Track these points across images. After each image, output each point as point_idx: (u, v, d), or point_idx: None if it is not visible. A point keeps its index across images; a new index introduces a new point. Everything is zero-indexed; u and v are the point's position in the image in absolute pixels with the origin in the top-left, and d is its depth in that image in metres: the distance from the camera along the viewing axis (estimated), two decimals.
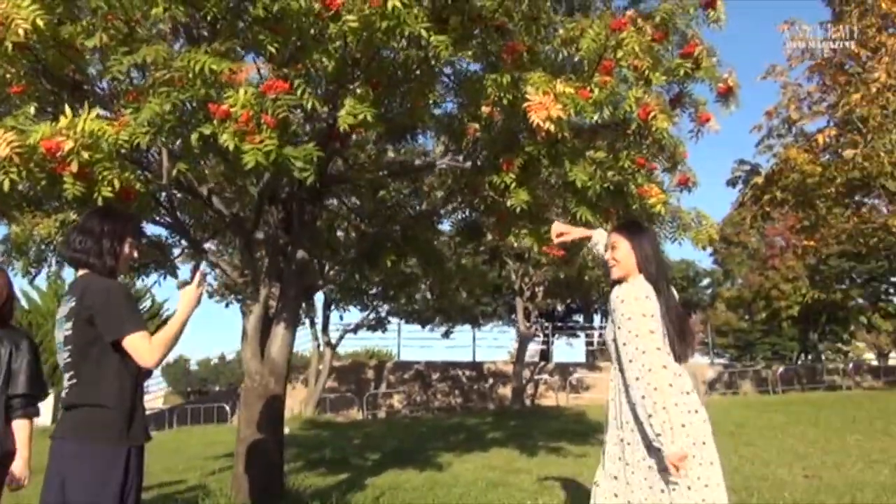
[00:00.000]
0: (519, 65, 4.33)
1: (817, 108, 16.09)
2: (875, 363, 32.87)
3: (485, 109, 4.71)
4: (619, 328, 2.78)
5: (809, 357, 33.27)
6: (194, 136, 3.72)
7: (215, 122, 3.65)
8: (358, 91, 4.19)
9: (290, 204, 5.90)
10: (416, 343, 47.96)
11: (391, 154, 7.39)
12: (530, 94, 4.10)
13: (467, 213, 6.48)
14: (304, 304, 19.19)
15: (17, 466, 3.10)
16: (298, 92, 3.66)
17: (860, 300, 30.99)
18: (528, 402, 21.68)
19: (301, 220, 5.79)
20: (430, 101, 4.85)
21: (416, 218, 6.41)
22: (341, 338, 20.80)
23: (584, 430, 12.31)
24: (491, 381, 23.80)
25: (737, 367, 26.38)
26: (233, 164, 4.37)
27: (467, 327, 25.03)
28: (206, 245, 6.37)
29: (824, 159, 15.51)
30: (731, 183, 17.82)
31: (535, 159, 4.77)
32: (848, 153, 13.47)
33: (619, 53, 4.64)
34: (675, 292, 3.00)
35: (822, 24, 17.09)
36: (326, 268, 6.31)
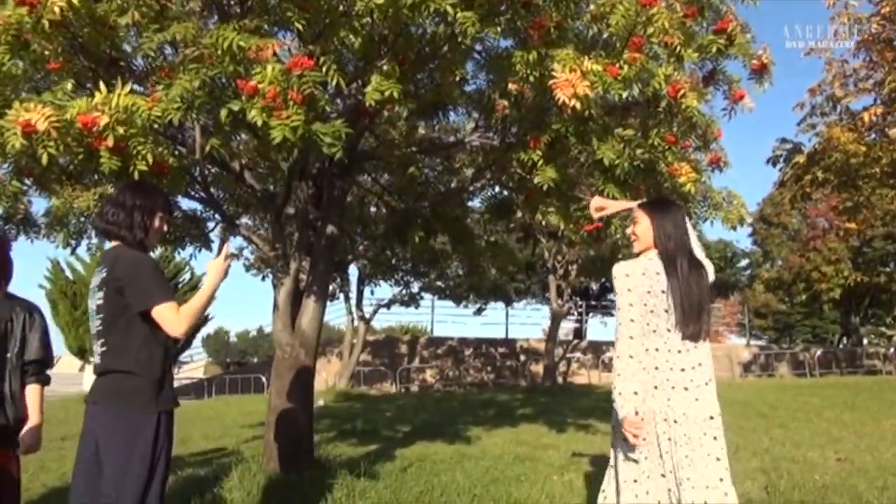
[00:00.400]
0: (547, 41, 4.30)
1: (863, 86, 15.57)
2: None
3: (512, 87, 4.70)
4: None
5: (850, 341, 32.63)
6: (223, 112, 3.80)
7: (244, 98, 3.72)
8: (384, 68, 4.21)
9: (320, 180, 5.98)
10: (449, 319, 48.18)
11: (422, 131, 7.42)
12: (557, 72, 4.08)
13: (497, 190, 6.49)
14: (336, 278, 19.57)
15: (30, 432, 3.12)
16: (324, 69, 3.70)
17: None
18: (560, 379, 21.72)
19: (331, 195, 5.87)
20: (458, 78, 4.83)
21: (446, 194, 6.44)
22: (375, 312, 21.06)
23: (612, 408, 12.26)
24: (523, 358, 23.88)
25: (774, 349, 25.99)
26: (262, 140, 4.44)
27: (500, 305, 25.09)
28: (241, 220, 6.48)
29: (870, 139, 15.04)
30: (772, 161, 17.39)
31: (563, 137, 4.76)
32: (894, 132, 13.03)
33: (650, 30, 4.58)
34: (709, 269, 3.03)
35: None
36: (357, 243, 6.38)
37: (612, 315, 30.44)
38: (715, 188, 5.52)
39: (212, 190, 5.71)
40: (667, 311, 2.84)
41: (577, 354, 23.75)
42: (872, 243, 27.97)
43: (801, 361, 22.59)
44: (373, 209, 7.78)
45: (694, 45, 5.11)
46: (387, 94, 4.14)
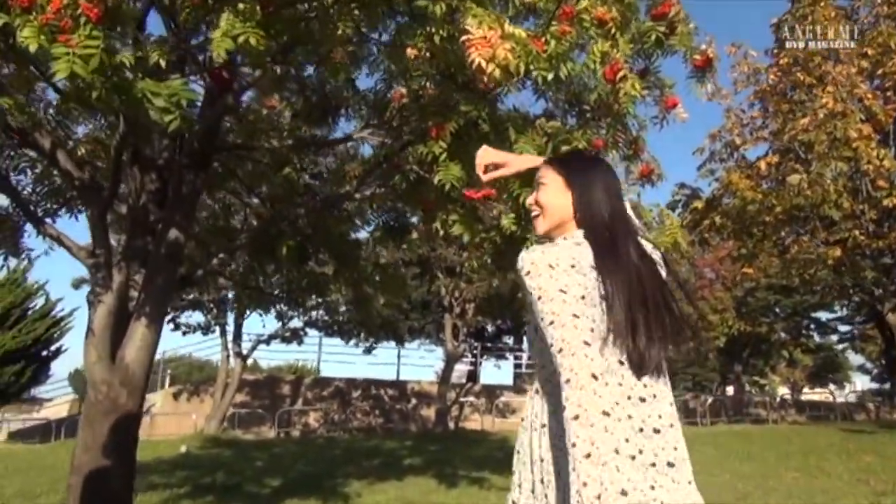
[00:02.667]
0: None
1: (760, 134, 15.82)
2: (788, 397, 33.27)
3: (410, 52, 3.68)
4: (532, 313, 1.68)
5: (731, 389, 33.45)
6: None
7: (13, 13, 2.50)
8: (240, 6, 3.08)
9: (166, 172, 4.72)
10: (337, 358, 46.39)
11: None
12: (471, 27, 3.09)
13: (388, 201, 5.42)
14: (212, 309, 17.81)
15: None
16: None
17: (783, 334, 31.39)
18: (452, 424, 20.65)
19: (178, 191, 4.61)
20: (341, 33, 3.75)
21: (326, 201, 5.30)
22: (253, 348, 19.32)
23: (509, 459, 11.28)
24: (414, 401, 22.65)
25: None
26: (66, 96, 3.19)
27: (392, 344, 23.83)
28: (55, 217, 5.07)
29: (765, 187, 15.20)
30: (671, 207, 17.35)
31: (473, 123, 3.76)
32: (793, 178, 13.07)
33: (583, 3, 3.72)
34: (655, 255, 1.84)
35: (768, 51, 16.95)
36: (213, 256, 5.11)
37: (505, 358, 29.82)
38: (644, 206, 4.67)
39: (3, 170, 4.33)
40: (611, 332, 1.64)
41: (471, 398, 22.75)
42: (755, 293, 28.84)
43: (692, 409, 22.57)
44: (239, 221, 6.52)
45: (628, 33, 4.31)
46: (241, 39, 3.02)
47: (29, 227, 4.81)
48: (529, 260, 1.65)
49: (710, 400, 23.14)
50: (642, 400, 1.65)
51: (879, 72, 14.02)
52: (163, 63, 3.33)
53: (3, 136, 4.32)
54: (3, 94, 3.42)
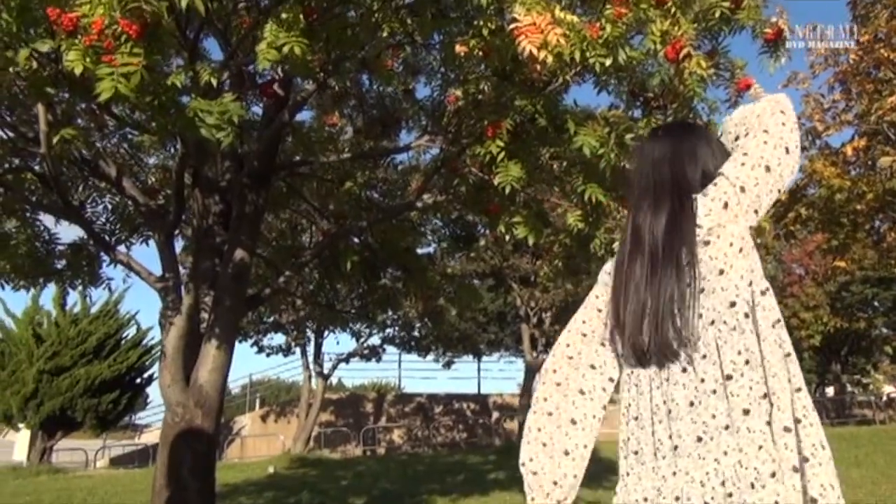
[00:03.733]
0: None
1: (844, 118, 14.93)
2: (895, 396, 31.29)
3: (459, 49, 3.56)
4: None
5: (830, 389, 31.73)
6: (23, 54, 2.58)
7: (59, 37, 2.52)
8: (283, 15, 3.04)
9: (229, 194, 4.75)
10: (419, 374, 46.61)
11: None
12: (519, 15, 2.95)
13: (451, 209, 5.31)
14: (293, 331, 18.13)
15: None
16: None
17: (884, 329, 29.62)
18: None
19: (241, 212, 4.63)
20: (387, 36, 3.67)
21: (388, 211, 5.23)
22: (334, 367, 19.53)
23: (597, 471, 10.93)
24: (497, 414, 22.40)
25: None
26: (121, 121, 3.22)
27: (470, 358, 23.67)
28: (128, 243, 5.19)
29: (853, 174, 14.33)
30: None
31: (530, 119, 3.61)
32: (885, 160, 12.27)
33: None
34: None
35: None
36: (280, 275, 5.12)
37: None
38: None
39: (71, 199, 4.44)
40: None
41: None
42: (850, 288, 27.33)
43: None
44: (308, 238, 6.55)
45: (691, 12, 4.08)
46: (285, 49, 2.97)
47: (106, 256, 4.93)
48: None
49: None
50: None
51: None
52: (214, 82, 3.33)
53: (74, 167, 4.44)
54: (68, 124, 3.49)
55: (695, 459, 1.33)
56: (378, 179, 6.13)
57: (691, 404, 1.36)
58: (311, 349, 18.88)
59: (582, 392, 1.54)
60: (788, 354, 1.39)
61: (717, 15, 3.97)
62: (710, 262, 1.41)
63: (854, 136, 14.97)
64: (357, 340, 17.62)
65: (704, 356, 1.38)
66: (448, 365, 22.65)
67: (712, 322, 1.39)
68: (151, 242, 5.03)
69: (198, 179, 4.48)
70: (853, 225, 14.95)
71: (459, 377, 33.17)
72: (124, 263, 4.57)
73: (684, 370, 1.38)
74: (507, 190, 3.74)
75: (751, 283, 1.40)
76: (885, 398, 22.54)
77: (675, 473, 1.35)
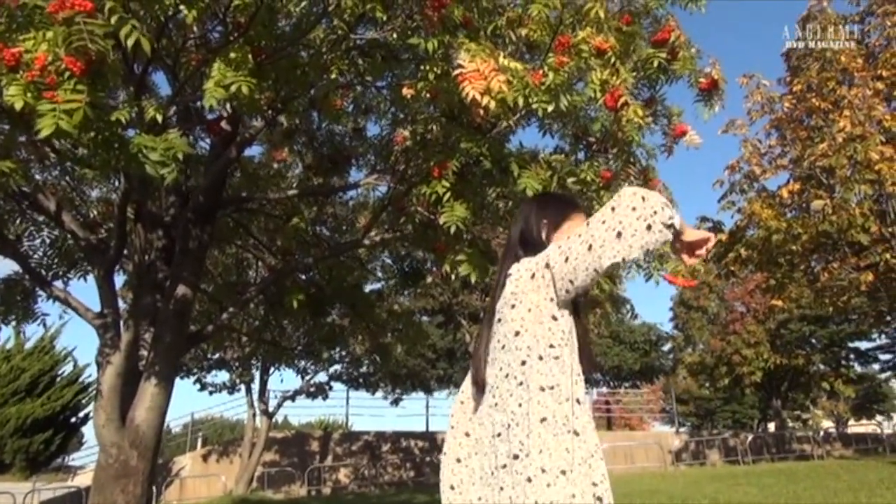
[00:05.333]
0: (449, 26, 3.28)
1: (779, 162, 15.60)
2: (833, 431, 32.16)
3: (406, 91, 3.63)
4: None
5: (772, 425, 32.45)
6: None
7: (0, 70, 2.49)
8: (231, 55, 3.06)
9: (174, 229, 4.69)
10: (367, 412, 46.03)
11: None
12: (463, 61, 3.04)
13: (398, 246, 5.34)
14: (237, 367, 17.76)
15: None
16: (112, 19, 2.49)
17: (821, 366, 30.52)
18: None
19: (185, 247, 4.57)
20: (336, 77, 3.72)
21: (335, 249, 5.23)
22: (280, 405, 19.11)
23: None
24: None
25: (704, 435, 25.26)
26: (61, 155, 3.18)
27: (420, 394, 23.52)
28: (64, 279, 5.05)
29: (789, 216, 14.91)
30: None
31: (475, 160, 3.68)
32: (817, 204, 12.81)
33: (581, 34, 3.67)
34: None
35: (781, 79, 16.86)
36: (224, 312, 5.04)
37: None
38: None
39: (14, 234, 4.32)
40: None
41: None
42: (789, 325, 28.17)
43: (733, 448, 21.86)
44: (253, 274, 6.48)
45: (630, 62, 4.26)
46: (233, 89, 2.99)
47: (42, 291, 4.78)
48: None
49: (750, 437, 22.38)
50: None
51: (895, 93, 13.82)
52: (159, 118, 3.32)
53: (12, 201, 4.33)
54: (7, 157, 3.42)
55: (493, 487, 1.60)
56: (327, 215, 6.13)
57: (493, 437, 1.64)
58: (256, 386, 18.50)
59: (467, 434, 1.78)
60: (544, 419, 1.57)
61: (654, 65, 4.17)
62: (510, 323, 1.64)
63: (789, 179, 15.62)
64: (302, 378, 17.34)
65: (496, 404, 1.64)
66: (396, 402, 22.45)
67: (506, 375, 1.63)
68: (90, 277, 4.92)
69: (141, 214, 4.41)
70: (790, 265, 15.49)
71: (408, 414, 32.88)
72: (61, 299, 4.45)
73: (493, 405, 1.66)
74: (452, 229, 3.79)
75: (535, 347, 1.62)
76: (822, 433, 23.14)
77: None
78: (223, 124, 4.36)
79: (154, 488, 17.09)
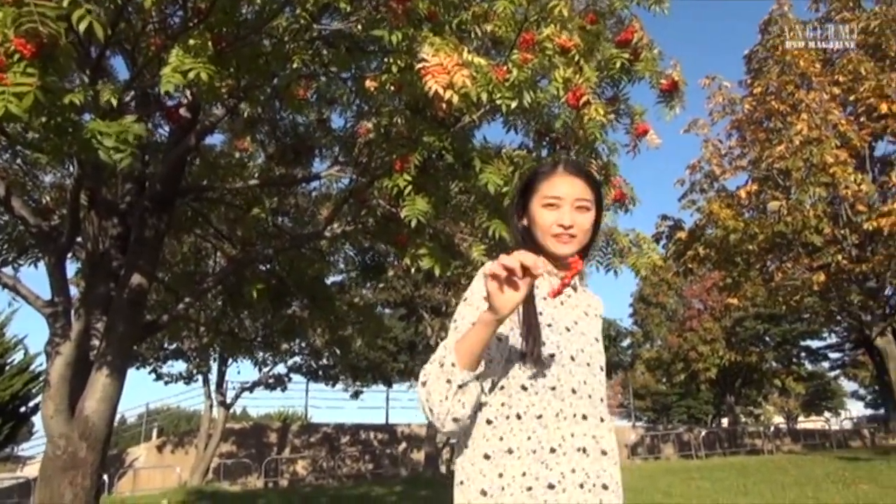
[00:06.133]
0: (413, 19, 3.26)
1: (738, 163, 15.91)
2: (784, 426, 33.04)
3: (369, 84, 3.60)
4: (599, 340, 1.75)
5: (725, 420, 33.19)
6: None
7: None
8: (190, 42, 3.00)
9: (130, 217, 4.59)
10: (326, 404, 45.80)
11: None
12: (427, 55, 3.03)
13: (360, 239, 5.31)
14: (195, 357, 17.46)
15: None
16: (64, 1, 2.42)
17: (774, 363, 31.29)
18: (443, 467, 20.22)
19: (141, 236, 4.48)
20: (298, 66, 3.68)
21: (295, 240, 5.18)
22: (237, 397, 18.91)
23: None
24: (404, 444, 22.22)
25: (660, 430, 25.72)
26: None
27: (381, 387, 23.45)
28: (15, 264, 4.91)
29: (746, 216, 15.24)
30: (656, 239, 17.33)
31: (438, 154, 3.68)
32: (773, 205, 13.11)
33: (546, 31, 3.68)
34: None
35: (742, 81, 17.20)
36: (181, 301, 4.95)
37: None
38: (620, 231, 4.58)
39: None
40: None
41: None
42: (744, 323, 28.79)
43: (687, 442, 22.31)
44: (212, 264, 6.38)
45: (594, 61, 4.29)
46: (191, 75, 2.93)
47: None
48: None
49: (704, 433, 22.86)
50: None
51: (851, 97, 14.18)
52: (114, 101, 3.24)
53: None
54: None
55: None
56: (290, 206, 6.06)
57: None
58: (213, 377, 18.28)
59: None
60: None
61: (617, 65, 4.20)
62: None
63: (748, 180, 15.98)
64: (260, 370, 17.15)
65: None
66: (356, 394, 22.37)
67: None
68: (41, 265, 4.79)
69: (95, 201, 4.30)
70: (746, 264, 15.84)
71: (368, 407, 32.71)
72: (10, 287, 4.32)
73: None
74: (413, 223, 3.78)
75: None
76: (773, 429, 23.74)
77: None
78: (182, 111, 4.27)
79: (106, 479, 16.79)
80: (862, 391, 45.72)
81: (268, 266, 5.40)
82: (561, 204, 1.66)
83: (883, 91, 13.60)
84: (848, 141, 13.45)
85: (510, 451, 1.52)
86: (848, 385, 44.36)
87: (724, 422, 32.88)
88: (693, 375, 29.16)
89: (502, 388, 1.58)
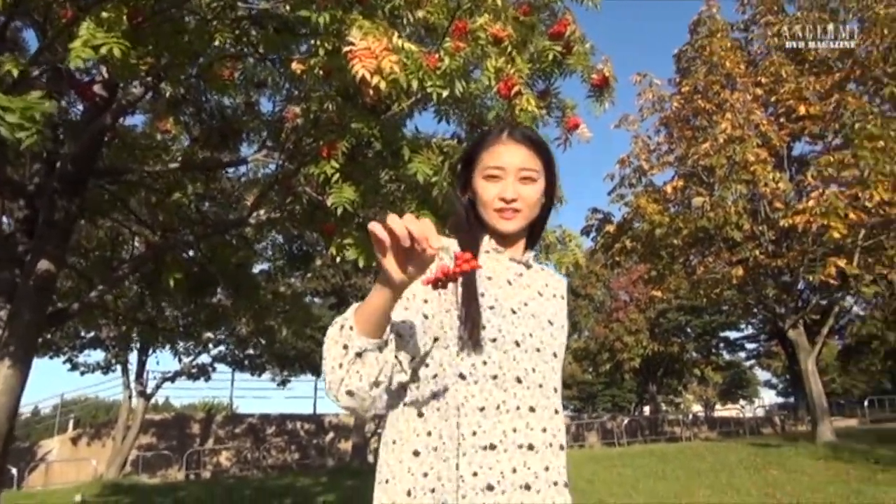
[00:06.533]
0: (343, 4, 3.16)
1: (666, 159, 16.34)
2: (701, 414, 34.37)
3: (295, 66, 3.48)
4: (563, 327, 1.60)
5: (647, 408, 34.28)
6: None
7: None
8: (104, 14, 2.82)
9: (38, 199, 4.33)
10: (252, 394, 45.06)
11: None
12: (354, 39, 2.94)
13: (285, 226, 5.17)
14: (114, 346, 16.80)
15: None
16: None
17: (694, 353, 32.47)
18: (370, 457, 20.16)
19: (50, 219, 4.23)
20: (221, 46, 3.53)
21: (217, 226, 5.00)
22: (158, 387, 18.32)
23: None
24: (332, 434, 22.03)
25: (584, 418, 26.33)
26: None
27: (309, 376, 23.17)
28: None
29: (672, 211, 15.68)
30: (585, 232, 17.67)
31: (366, 143, 3.59)
32: (697, 201, 13.52)
33: (478, 21, 3.64)
34: None
35: (671, 80, 17.64)
36: (93, 289, 4.71)
37: None
38: (547, 227, 4.59)
39: None
40: None
41: None
42: (667, 315, 29.73)
43: (610, 430, 22.91)
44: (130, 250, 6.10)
45: (526, 53, 4.27)
46: (103, 50, 2.76)
47: None
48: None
49: (626, 420, 23.53)
50: None
51: (773, 99, 14.73)
52: (15, 72, 3.03)
53: None
54: None
55: None
56: (216, 191, 5.85)
57: None
58: (133, 367, 17.65)
59: None
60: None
61: (549, 58, 4.20)
62: None
63: (674, 176, 16.44)
64: (180, 360, 16.61)
65: None
66: (283, 384, 22.04)
67: None
68: None
69: (10, 186, 4.04)
70: (671, 257, 16.32)
71: (296, 396, 32.34)
72: None
73: None
74: (339, 211, 3.69)
75: None
76: (691, 417, 24.64)
77: None
78: (97, 89, 4.04)
79: (16, 473, 16.00)
80: (774, 380, 48.10)
81: (189, 253, 5.20)
82: (504, 175, 1.51)
83: (802, 94, 14.18)
84: (768, 140, 13.98)
85: (443, 448, 1.38)
86: (762, 374, 46.58)
87: (647, 410, 33.96)
88: (618, 365, 29.96)
89: (435, 376, 1.42)
